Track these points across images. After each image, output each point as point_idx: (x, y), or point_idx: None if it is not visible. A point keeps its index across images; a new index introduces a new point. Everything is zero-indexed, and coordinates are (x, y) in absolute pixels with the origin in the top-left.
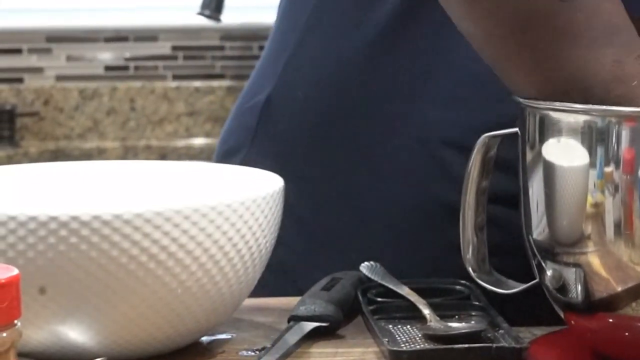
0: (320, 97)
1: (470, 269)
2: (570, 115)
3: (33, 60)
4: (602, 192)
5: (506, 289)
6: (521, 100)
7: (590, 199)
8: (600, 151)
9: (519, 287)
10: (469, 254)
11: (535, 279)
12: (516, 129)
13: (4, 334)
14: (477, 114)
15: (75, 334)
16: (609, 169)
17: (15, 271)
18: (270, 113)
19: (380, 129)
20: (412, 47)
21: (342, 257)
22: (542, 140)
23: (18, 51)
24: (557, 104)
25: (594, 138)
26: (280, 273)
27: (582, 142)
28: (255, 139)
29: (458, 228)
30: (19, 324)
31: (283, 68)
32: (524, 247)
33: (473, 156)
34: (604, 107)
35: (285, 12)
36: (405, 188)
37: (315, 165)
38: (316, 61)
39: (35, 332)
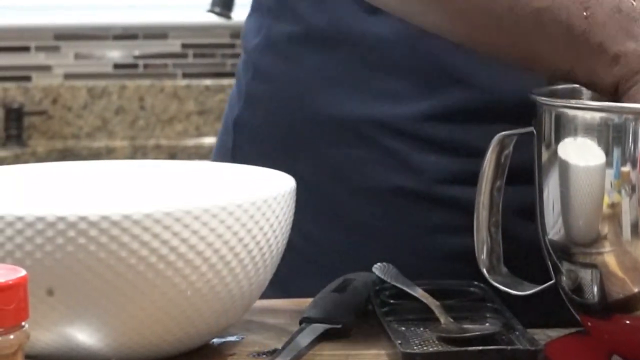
0: (277, 114)
1: (484, 270)
2: (587, 113)
3: (41, 59)
4: (619, 192)
5: (521, 291)
6: (537, 98)
7: (606, 199)
8: (616, 150)
9: (534, 289)
10: (483, 254)
11: (549, 280)
12: (531, 128)
13: (11, 336)
14: (414, 103)
15: (84, 336)
16: (625, 169)
17: (22, 272)
18: (240, 136)
19: (334, 131)
20: (353, 51)
21: (336, 271)
22: (558, 138)
23: (26, 49)
24: (573, 102)
25: (611, 136)
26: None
27: (599, 141)
28: (234, 160)
29: (426, 212)
30: (26, 325)
31: (246, 91)
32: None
33: (488, 155)
34: (621, 104)
35: (243, 36)
36: (369, 186)
37: None
38: (270, 82)
39: (43, 334)
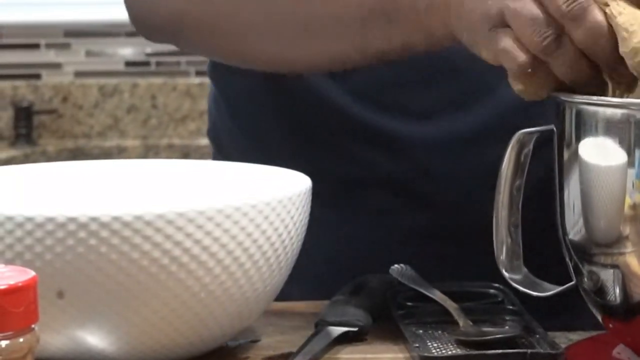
0: (250, 106)
1: (503, 271)
2: (608, 109)
3: (51, 56)
4: None
5: (541, 292)
6: (557, 95)
7: (628, 200)
8: (638, 149)
9: (554, 290)
10: (502, 255)
11: (570, 281)
12: (552, 126)
13: (21, 339)
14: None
15: (95, 340)
16: None
17: (32, 274)
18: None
19: (311, 110)
20: None
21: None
22: (579, 136)
23: (36, 46)
24: (594, 98)
25: (632, 133)
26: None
27: (620, 138)
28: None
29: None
30: (36, 328)
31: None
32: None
33: (507, 153)
34: None
35: None
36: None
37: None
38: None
39: (53, 337)
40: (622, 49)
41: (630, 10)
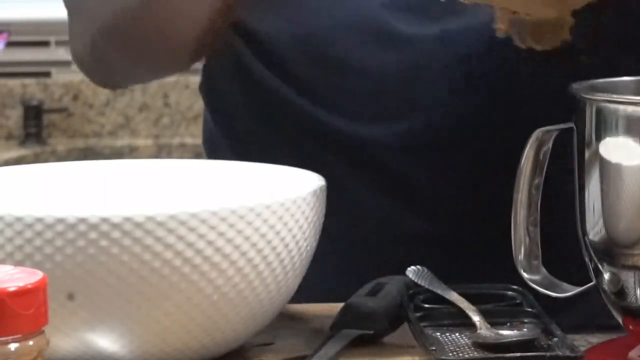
0: (239, 120)
1: (521, 271)
2: (629, 107)
3: (61, 54)
4: None
5: (560, 293)
6: (577, 92)
7: None
8: None
9: (573, 291)
10: (520, 254)
11: (590, 281)
12: (571, 124)
13: (31, 342)
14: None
15: (106, 343)
16: None
17: (42, 276)
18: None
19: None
20: None
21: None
22: (599, 134)
23: (45, 44)
24: (615, 96)
25: None
26: None
27: None
28: None
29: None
30: (46, 331)
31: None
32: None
33: (526, 151)
34: None
35: None
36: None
37: None
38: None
39: (63, 340)
40: None
41: None
